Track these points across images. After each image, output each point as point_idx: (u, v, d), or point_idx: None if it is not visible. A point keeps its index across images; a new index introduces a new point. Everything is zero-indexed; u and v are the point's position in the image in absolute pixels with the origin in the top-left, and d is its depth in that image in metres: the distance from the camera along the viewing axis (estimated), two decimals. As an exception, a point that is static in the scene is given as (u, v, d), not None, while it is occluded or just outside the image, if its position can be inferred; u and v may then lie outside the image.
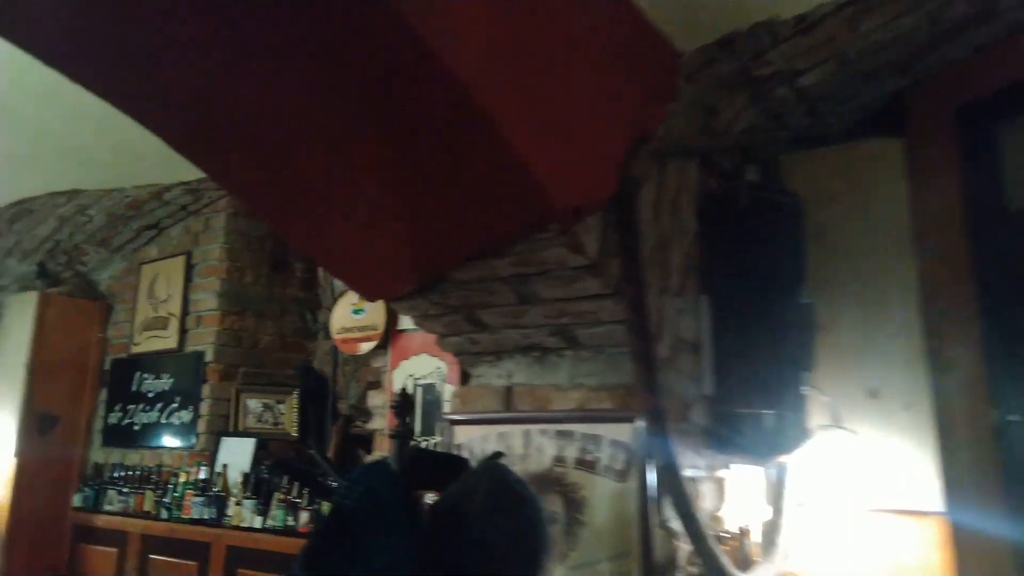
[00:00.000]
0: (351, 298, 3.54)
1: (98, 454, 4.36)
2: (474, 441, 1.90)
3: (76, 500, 4.13)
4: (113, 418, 4.32)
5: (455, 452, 1.89)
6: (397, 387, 3.39)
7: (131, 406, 4.25)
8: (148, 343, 4.27)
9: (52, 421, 4.19)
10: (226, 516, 3.53)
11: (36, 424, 4.12)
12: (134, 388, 4.25)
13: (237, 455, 3.80)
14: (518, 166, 1.22)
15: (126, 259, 4.59)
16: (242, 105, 1.25)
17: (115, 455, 4.27)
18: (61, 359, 4.28)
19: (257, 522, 3.39)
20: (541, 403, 1.84)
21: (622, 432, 1.67)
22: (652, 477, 1.61)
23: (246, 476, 3.59)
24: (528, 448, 1.80)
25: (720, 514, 1.89)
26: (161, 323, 4.24)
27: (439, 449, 2.51)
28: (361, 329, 3.44)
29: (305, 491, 3.27)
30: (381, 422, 3.43)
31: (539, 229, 1.40)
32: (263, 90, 1.23)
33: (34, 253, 4.39)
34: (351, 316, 3.49)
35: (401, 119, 1.21)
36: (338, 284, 3.75)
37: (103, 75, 1.25)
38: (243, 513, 3.45)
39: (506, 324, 1.81)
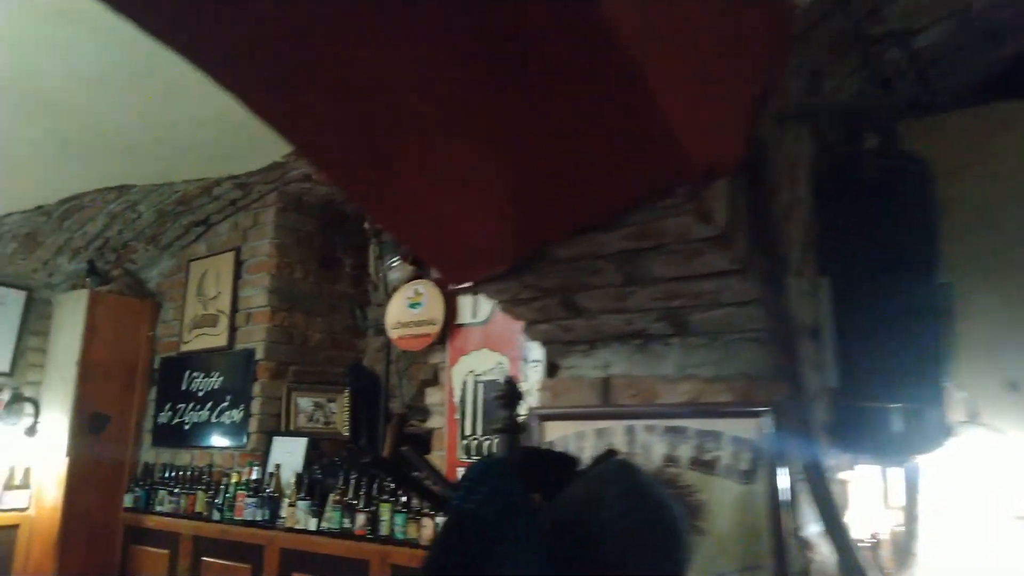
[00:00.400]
0: (406, 291, 3.40)
1: (148, 454, 4.30)
2: (568, 439, 1.72)
3: (127, 500, 4.06)
4: (163, 417, 4.25)
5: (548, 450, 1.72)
6: (456, 384, 3.24)
7: (181, 405, 4.18)
8: (197, 341, 4.20)
9: (104, 420, 4.13)
10: (279, 518, 3.42)
11: (88, 423, 4.07)
12: (184, 387, 4.18)
13: (289, 455, 3.69)
14: (655, 116, 1.05)
15: (175, 256, 4.54)
16: (336, 55, 1.10)
17: (165, 455, 4.20)
18: (111, 358, 4.23)
19: (312, 524, 3.27)
20: (645, 396, 1.66)
21: (745, 428, 1.48)
22: (784, 479, 1.42)
23: (299, 476, 3.47)
24: (633, 446, 1.62)
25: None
26: (210, 320, 4.16)
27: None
28: (419, 324, 3.29)
29: (362, 493, 3.14)
30: (439, 420, 3.28)
31: (666, 194, 1.23)
32: (359, 37, 1.07)
33: (84, 251, 4.36)
34: (408, 310, 3.35)
35: (518, 63, 1.04)
36: (391, 279, 3.61)
37: (181, 23, 1.11)
38: (297, 515, 3.33)
39: (606, 309, 1.63)
